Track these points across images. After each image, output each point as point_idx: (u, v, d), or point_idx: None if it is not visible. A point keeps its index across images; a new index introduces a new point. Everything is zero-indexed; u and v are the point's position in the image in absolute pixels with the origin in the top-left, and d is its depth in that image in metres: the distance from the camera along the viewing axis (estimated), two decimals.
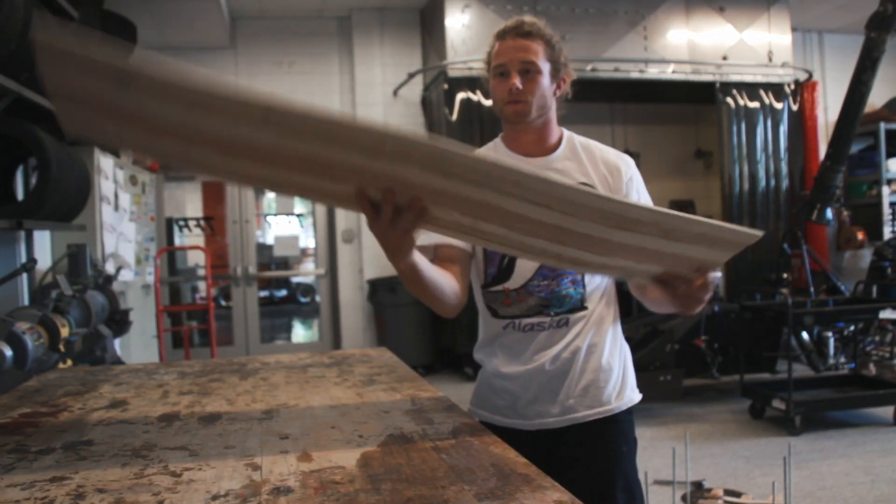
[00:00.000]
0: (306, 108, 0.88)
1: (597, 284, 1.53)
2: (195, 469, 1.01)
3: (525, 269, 1.51)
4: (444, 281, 1.36)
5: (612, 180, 1.53)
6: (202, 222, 7.21)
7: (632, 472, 1.55)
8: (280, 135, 0.92)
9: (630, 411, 1.57)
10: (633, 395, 1.58)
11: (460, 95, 5.92)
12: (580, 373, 1.52)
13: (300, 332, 8.29)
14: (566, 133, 1.58)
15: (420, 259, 1.24)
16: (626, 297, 1.64)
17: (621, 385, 1.56)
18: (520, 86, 1.47)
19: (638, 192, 1.55)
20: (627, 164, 1.56)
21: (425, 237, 1.42)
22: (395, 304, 6.03)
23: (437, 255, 1.48)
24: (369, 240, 6.44)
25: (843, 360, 4.92)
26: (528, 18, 1.51)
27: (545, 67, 1.49)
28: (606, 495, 1.50)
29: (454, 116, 5.93)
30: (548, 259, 1.31)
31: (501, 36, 1.51)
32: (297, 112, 0.89)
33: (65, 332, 2.50)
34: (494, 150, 1.59)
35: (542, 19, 1.53)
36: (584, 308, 1.52)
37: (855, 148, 6.76)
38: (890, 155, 6.89)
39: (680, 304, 1.30)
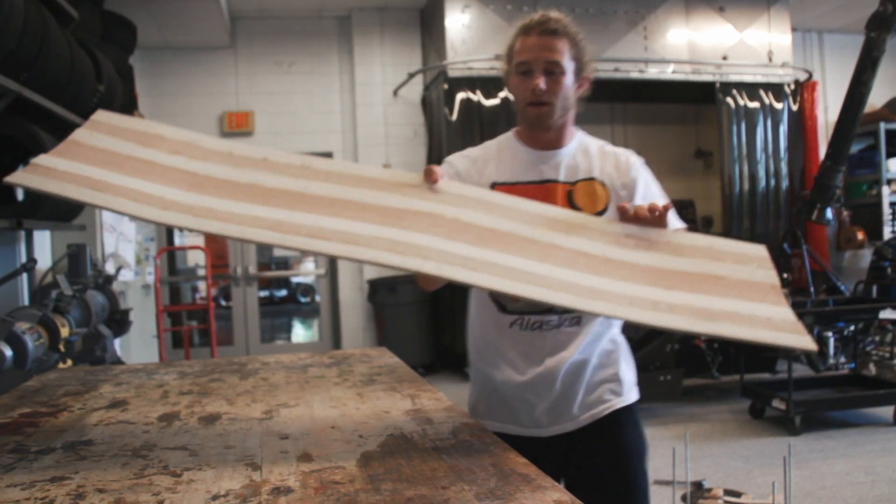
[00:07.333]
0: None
1: None
2: (195, 469, 1.01)
3: None
4: None
5: (619, 177, 1.51)
6: None
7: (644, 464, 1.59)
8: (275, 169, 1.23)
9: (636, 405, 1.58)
10: (635, 392, 1.60)
11: (460, 95, 5.92)
12: (597, 372, 1.51)
13: (300, 332, 8.28)
14: (579, 133, 1.56)
15: None
16: None
17: (630, 377, 1.57)
18: (544, 87, 1.42)
19: (646, 192, 1.51)
20: (632, 165, 1.54)
21: None
22: (395, 303, 6.03)
23: None
24: None
25: (843, 360, 4.91)
26: (553, 14, 1.45)
27: (569, 67, 1.44)
28: (633, 477, 1.55)
29: (454, 116, 5.92)
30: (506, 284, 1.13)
31: (526, 31, 1.45)
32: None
33: (65, 332, 2.50)
34: (506, 143, 1.55)
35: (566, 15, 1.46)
36: None
37: (855, 148, 6.75)
38: (890, 155, 6.89)
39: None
